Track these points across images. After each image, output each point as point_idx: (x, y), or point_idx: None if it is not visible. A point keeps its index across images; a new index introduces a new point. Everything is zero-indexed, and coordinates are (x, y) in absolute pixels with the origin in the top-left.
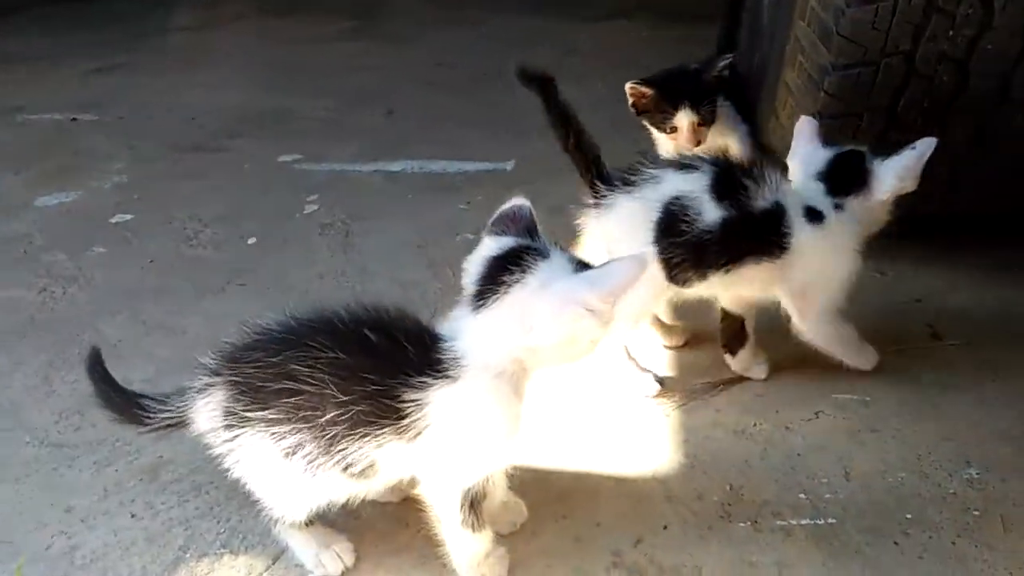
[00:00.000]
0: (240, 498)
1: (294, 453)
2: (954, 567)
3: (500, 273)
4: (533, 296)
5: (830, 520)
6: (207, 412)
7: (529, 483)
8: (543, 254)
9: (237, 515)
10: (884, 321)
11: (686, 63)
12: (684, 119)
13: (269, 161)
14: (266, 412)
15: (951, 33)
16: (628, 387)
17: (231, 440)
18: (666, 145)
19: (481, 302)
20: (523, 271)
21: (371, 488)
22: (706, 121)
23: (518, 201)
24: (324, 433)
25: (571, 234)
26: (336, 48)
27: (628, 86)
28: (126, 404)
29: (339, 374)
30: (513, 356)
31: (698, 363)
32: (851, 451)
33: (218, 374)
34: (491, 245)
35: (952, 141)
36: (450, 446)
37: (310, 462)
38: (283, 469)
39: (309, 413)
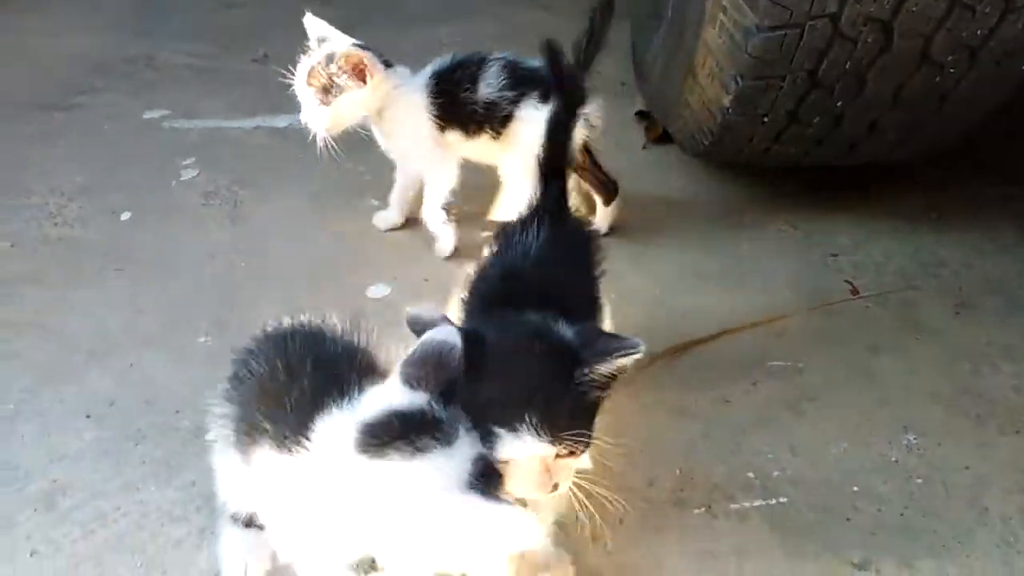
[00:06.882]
0: (153, 526)
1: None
2: (905, 540)
3: (405, 436)
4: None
5: (781, 499)
6: None
7: None
8: (448, 438)
9: (152, 545)
10: (802, 278)
11: None
12: None
13: (132, 119)
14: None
15: None
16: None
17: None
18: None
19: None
20: (414, 452)
21: None
22: None
23: (442, 336)
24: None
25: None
26: None
27: None
28: None
29: (253, 389)
30: None
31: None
32: (792, 424)
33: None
34: (399, 396)
35: (870, 101)
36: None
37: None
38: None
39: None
